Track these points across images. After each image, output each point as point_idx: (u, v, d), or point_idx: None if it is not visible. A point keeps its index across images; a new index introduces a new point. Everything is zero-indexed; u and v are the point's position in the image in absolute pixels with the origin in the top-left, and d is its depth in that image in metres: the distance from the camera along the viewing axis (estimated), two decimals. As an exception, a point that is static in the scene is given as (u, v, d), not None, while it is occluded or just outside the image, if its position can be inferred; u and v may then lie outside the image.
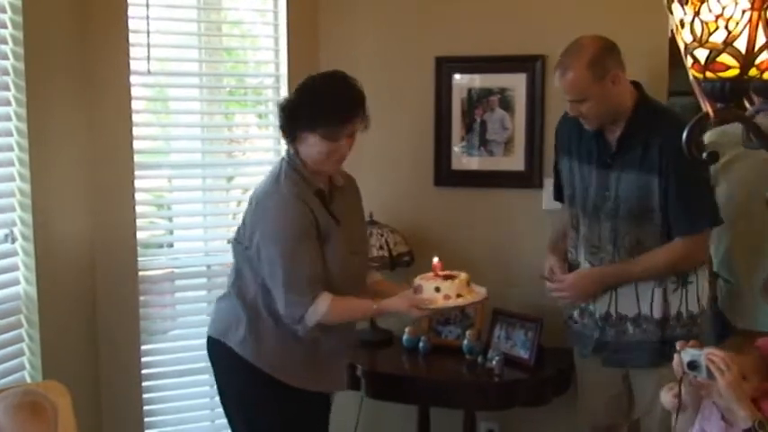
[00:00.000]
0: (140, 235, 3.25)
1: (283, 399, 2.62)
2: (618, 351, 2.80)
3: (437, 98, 3.42)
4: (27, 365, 2.90)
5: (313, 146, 2.52)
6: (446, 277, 2.56)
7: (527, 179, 3.34)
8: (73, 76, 3.02)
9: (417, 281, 2.57)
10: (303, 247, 2.52)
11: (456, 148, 3.43)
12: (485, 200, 3.44)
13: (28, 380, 2.85)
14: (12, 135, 2.81)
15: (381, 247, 3.27)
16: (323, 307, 2.52)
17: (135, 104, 3.19)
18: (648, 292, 2.72)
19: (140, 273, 3.25)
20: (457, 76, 3.40)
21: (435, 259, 2.63)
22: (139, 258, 3.24)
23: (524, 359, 3.13)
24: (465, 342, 3.20)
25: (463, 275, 2.59)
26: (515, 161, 3.36)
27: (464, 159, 3.43)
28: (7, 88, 2.78)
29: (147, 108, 3.37)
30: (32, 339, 2.89)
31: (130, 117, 3.16)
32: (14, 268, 2.86)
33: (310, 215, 2.54)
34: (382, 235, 3.30)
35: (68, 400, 2.11)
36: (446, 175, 3.46)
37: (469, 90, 3.39)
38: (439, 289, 2.52)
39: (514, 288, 3.36)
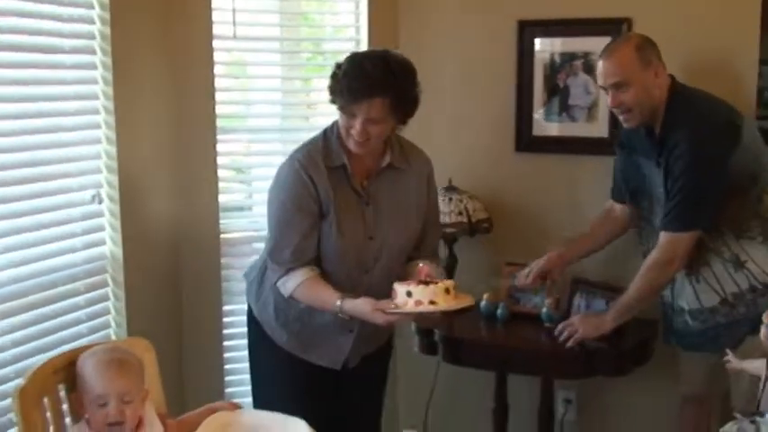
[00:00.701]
0: (221, 198, 3.30)
1: (282, 361, 2.64)
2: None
3: (519, 62, 3.36)
4: (112, 324, 2.98)
5: (339, 117, 2.51)
6: (424, 283, 2.38)
7: (610, 146, 3.24)
8: (158, 40, 3.07)
9: (395, 285, 2.42)
10: (294, 218, 2.50)
11: (537, 114, 3.37)
12: (566, 167, 3.37)
13: (113, 338, 2.93)
14: (98, 98, 2.87)
15: (461, 213, 3.24)
16: (291, 284, 2.51)
17: (217, 69, 3.22)
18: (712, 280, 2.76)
19: (222, 235, 3.30)
20: (539, 40, 3.33)
21: (421, 264, 2.50)
22: (221, 221, 3.29)
23: (605, 329, 3.07)
24: (544, 310, 3.16)
25: (447, 282, 2.41)
26: (598, 127, 3.28)
27: (546, 125, 3.37)
28: (93, 52, 2.83)
29: (229, 73, 3.40)
30: (118, 298, 2.97)
31: (213, 82, 3.20)
32: (101, 229, 2.93)
33: (311, 188, 2.49)
34: (461, 201, 3.28)
35: (153, 356, 2.17)
36: (527, 141, 3.40)
37: (552, 54, 3.31)
38: (410, 293, 2.35)
39: (595, 257, 3.30)
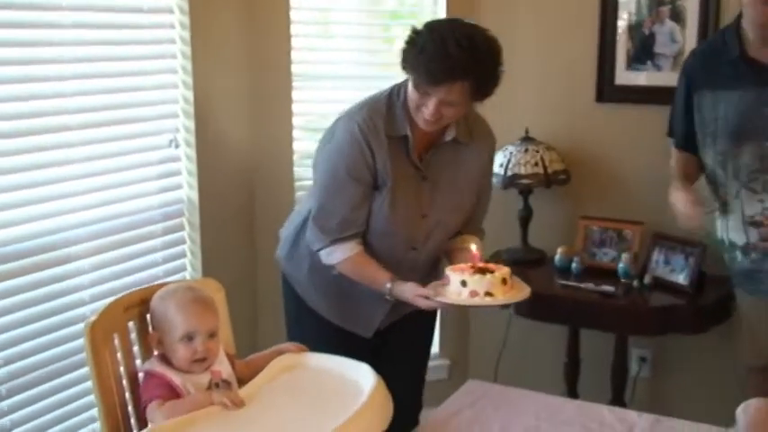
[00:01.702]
0: (296, 145, 3.31)
1: (314, 323, 2.53)
2: None
3: (602, 8, 3.24)
4: (188, 267, 3.04)
5: (410, 89, 2.28)
6: (481, 270, 2.21)
7: (696, 96, 3.13)
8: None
9: (447, 271, 2.26)
10: (346, 187, 2.32)
11: (621, 62, 3.26)
12: (649, 118, 3.24)
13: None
14: (175, 43, 2.89)
15: (536, 164, 3.18)
16: (338, 256, 2.36)
17: (294, 15, 3.21)
18: None
19: (296, 182, 3.32)
20: (625, -15, 3.21)
21: (473, 247, 2.32)
22: (295, 168, 3.30)
23: (683, 285, 2.99)
24: (620, 265, 3.09)
25: (504, 271, 2.23)
26: (685, 77, 3.15)
27: (629, 74, 3.25)
28: (171, -4, 2.86)
29: (307, 18, 3.38)
30: (193, 241, 3.03)
31: (289, 27, 3.19)
32: (177, 173, 2.98)
33: (368, 158, 2.30)
34: (537, 152, 3.21)
35: (223, 296, 2.19)
36: (609, 91, 3.29)
37: (638, 0, 3.19)
38: (465, 283, 2.18)
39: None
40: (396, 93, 2.35)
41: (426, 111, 2.22)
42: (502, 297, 2.20)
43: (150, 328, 2.05)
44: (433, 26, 2.24)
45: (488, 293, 2.18)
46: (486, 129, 2.51)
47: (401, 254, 2.43)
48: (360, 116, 2.32)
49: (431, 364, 2.82)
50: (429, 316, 2.62)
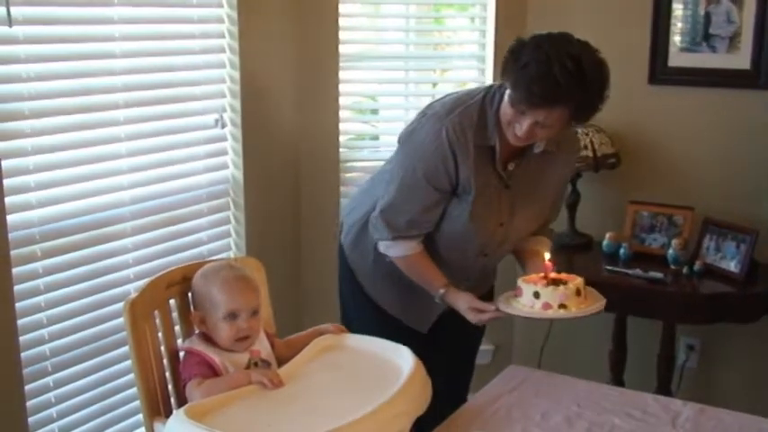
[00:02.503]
0: (343, 126, 3.29)
1: (372, 312, 2.50)
2: None
3: (657, -12, 3.17)
4: (233, 246, 3.06)
5: (505, 102, 2.17)
6: (554, 281, 2.15)
7: (753, 79, 3.04)
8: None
9: (519, 282, 2.20)
10: (421, 189, 2.25)
11: (675, 43, 3.17)
12: (704, 100, 3.17)
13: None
14: (223, 22, 2.89)
15: (585, 147, 3.11)
16: (397, 251, 2.33)
17: (343, 3, 3.19)
18: None
19: (342, 164, 3.31)
20: (680, -36, 3.12)
21: (547, 256, 2.24)
22: (341, 149, 3.29)
23: (734, 272, 2.92)
24: (670, 251, 3.03)
25: (578, 281, 2.16)
26: (741, 59, 3.06)
27: (683, 55, 3.16)
28: (219, -24, 2.85)
29: (357, 11, 3.35)
30: (238, 221, 3.04)
31: (337, 6, 3.17)
32: (223, 153, 2.99)
33: (450, 166, 2.21)
34: (587, 134, 3.14)
35: (263, 275, 2.20)
36: (662, 72, 3.21)
37: (694, -21, 3.11)
38: (538, 294, 2.13)
39: (730, 197, 3.13)
40: (490, 99, 2.23)
41: (519, 129, 2.13)
42: (576, 309, 2.14)
43: (192, 307, 2.06)
44: (540, 41, 2.10)
45: (562, 306, 2.13)
46: (575, 139, 2.45)
47: (471, 259, 2.40)
48: (450, 121, 2.20)
49: (475, 348, 2.79)
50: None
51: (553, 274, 2.19)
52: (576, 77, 2.03)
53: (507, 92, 2.14)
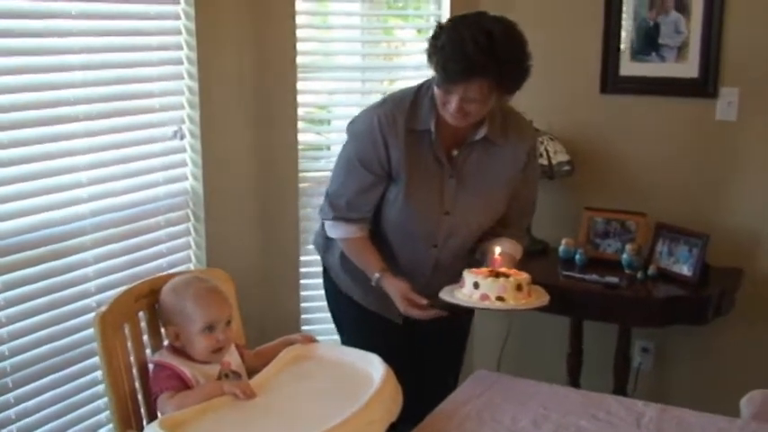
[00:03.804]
0: (301, 137, 3.30)
1: (350, 308, 2.58)
2: None
3: (607, -1, 3.25)
4: (192, 258, 3.04)
5: (434, 86, 2.30)
6: (497, 274, 2.20)
7: (701, 87, 3.14)
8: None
9: (464, 272, 2.24)
10: (357, 172, 2.38)
11: (625, 53, 3.26)
12: (654, 109, 3.26)
13: (194, 271, 2.99)
14: (180, 34, 2.88)
15: (540, 155, 3.17)
16: (338, 233, 2.46)
17: (299, 5, 3.19)
18: None
19: (300, 173, 3.31)
20: (630, -25, 3.21)
21: (497, 250, 2.32)
22: (300, 160, 3.30)
23: (687, 276, 3.00)
24: (624, 256, 3.10)
25: (521, 277, 2.21)
26: (689, 68, 3.15)
27: (633, 65, 3.25)
28: (176, -12, 2.84)
29: (310, 9, 3.37)
30: (198, 233, 3.02)
31: (294, 17, 3.17)
32: (182, 165, 2.97)
33: (381, 150, 2.34)
34: (542, 142, 3.21)
35: (232, 287, 2.20)
36: (613, 82, 3.30)
37: (642, -10, 3.19)
38: (477, 285, 2.18)
39: (680, 202, 3.22)
40: (425, 88, 2.37)
41: (450, 107, 2.24)
42: (513, 302, 2.19)
43: (161, 322, 2.05)
44: (456, 22, 2.24)
45: (499, 298, 2.18)
46: (526, 130, 2.49)
47: (422, 251, 2.45)
48: (381, 109, 2.37)
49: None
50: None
51: (501, 269, 2.24)
52: (487, 50, 2.13)
53: (433, 75, 2.27)
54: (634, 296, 3.00)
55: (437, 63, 2.21)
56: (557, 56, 3.38)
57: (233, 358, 2.03)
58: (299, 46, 3.22)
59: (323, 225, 2.56)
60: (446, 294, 2.27)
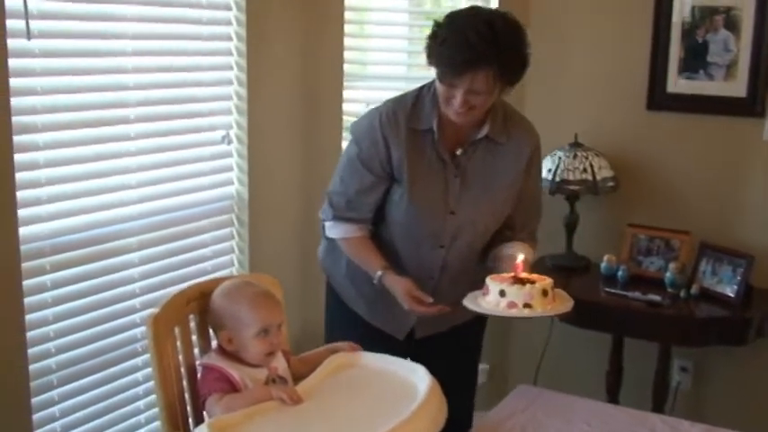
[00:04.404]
0: (345, 145, 3.31)
1: (351, 320, 2.53)
2: None
3: (656, 15, 3.23)
4: (235, 262, 3.06)
5: (437, 83, 2.28)
6: (521, 281, 2.17)
7: (749, 107, 3.12)
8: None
9: (487, 280, 2.21)
10: (358, 171, 2.37)
11: (672, 70, 3.24)
12: (701, 127, 3.24)
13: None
14: (231, 40, 2.91)
15: (585, 170, 3.17)
16: (338, 233, 2.43)
17: (348, 15, 3.22)
18: None
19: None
20: (679, -7, 3.19)
21: (519, 257, 2.25)
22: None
23: (730, 297, 2.97)
24: (667, 274, 3.08)
25: (546, 282, 2.17)
26: (737, 86, 3.14)
27: (681, 82, 3.24)
28: (228, -5, 2.87)
29: (357, 18, 3.39)
30: (242, 238, 3.04)
31: (342, 26, 3.19)
32: (229, 169, 3.00)
33: (382, 150, 2.33)
34: (586, 158, 3.20)
35: (280, 292, 2.19)
36: (660, 99, 3.28)
37: (693, 8, 3.17)
38: (504, 293, 2.14)
39: (727, 223, 3.19)
40: (427, 87, 2.37)
41: (455, 102, 2.21)
42: (540, 309, 2.15)
43: (211, 327, 2.06)
44: (453, 17, 2.24)
45: (527, 305, 2.14)
46: (527, 128, 2.45)
47: (427, 251, 2.42)
48: (384, 108, 2.37)
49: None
50: (477, 328, 2.61)
51: (523, 275, 2.21)
52: (489, 39, 2.13)
53: (435, 72, 2.25)
54: (676, 315, 2.99)
55: (440, 58, 2.20)
56: (604, 72, 3.38)
57: (280, 363, 2.04)
58: (346, 54, 3.24)
59: (326, 238, 2.52)
60: (470, 302, 2.23)
